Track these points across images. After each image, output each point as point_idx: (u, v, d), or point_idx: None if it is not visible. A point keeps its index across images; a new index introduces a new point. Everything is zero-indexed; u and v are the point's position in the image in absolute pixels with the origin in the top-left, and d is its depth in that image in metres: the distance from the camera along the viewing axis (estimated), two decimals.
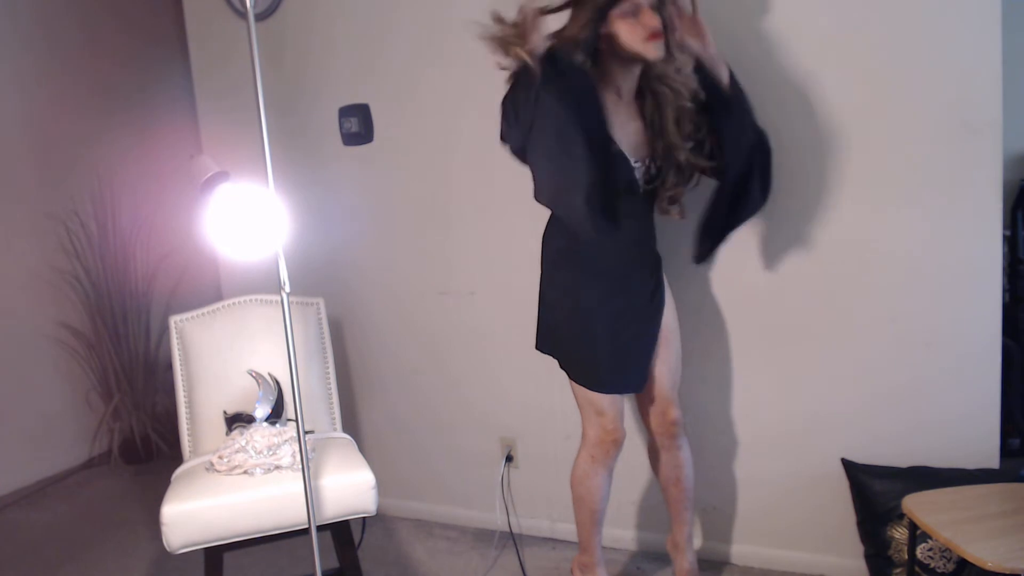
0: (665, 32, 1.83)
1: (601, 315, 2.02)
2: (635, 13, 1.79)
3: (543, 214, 2.17)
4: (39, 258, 3.61)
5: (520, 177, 2.57)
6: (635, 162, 1.96)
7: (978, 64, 2.01)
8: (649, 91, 1.94)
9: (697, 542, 2.46)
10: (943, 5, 2.02)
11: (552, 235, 2.10)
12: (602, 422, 2.06)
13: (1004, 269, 2.54)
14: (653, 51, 1.81)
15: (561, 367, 2.14)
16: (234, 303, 2.47)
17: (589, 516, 2.15)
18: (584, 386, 2.06)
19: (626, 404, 2.17)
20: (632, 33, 1.80)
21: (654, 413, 2.15)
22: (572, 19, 1.85)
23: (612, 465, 2.11)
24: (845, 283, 2.22)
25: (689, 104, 1.90)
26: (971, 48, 2.01)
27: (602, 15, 1.80)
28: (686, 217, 2.09)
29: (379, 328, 2.94)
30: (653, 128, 1.96)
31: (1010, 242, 2.81)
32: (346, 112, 2.81)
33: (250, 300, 2.47)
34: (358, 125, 2.80)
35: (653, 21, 1.79)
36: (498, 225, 2.62)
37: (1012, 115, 2.05)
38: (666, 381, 2.12)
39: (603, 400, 2.05)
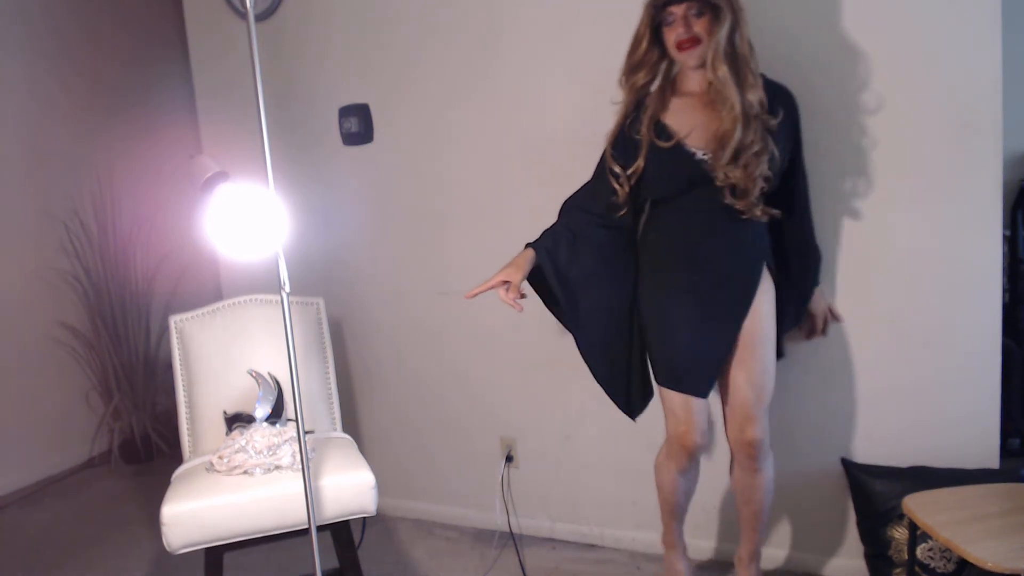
0: (725, 41, 1.88)
1: (656, 312, 2.06)
2: (672, 23, 1.92)
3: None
4: (39, 258, 3.61)
5: (519, 177, 2.58)
6: (703, 153, 1.93)
7: (978, 64, 2.01)
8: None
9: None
10: (943, 5, 2.02)
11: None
12: (674, 422, 2.06)
13: (1004, 269, 2.54)
14: (683, 58, 1.94)
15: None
16: (234, 303, 2.47)
17: (663, 504, 2.20)
18: (654, 379, 2.11)
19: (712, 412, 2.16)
20: (669, 41, 1.94)
21: (732, 426, 2.04)
22: (637, 44, 2.00)
23: (686, 467, 2.10)
24: (845, 283, 2.22)
25: (735, 111, 1.85)
26: (971, 48, 2.01)
27: (657, 30, 1.96)
28: (767, 216, 1.96)
29: (379, 328, 2.93)
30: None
31: (1010, 242, 2.81)
32: (346, 112, 2.81)
33: (250, 300, 2.47)
34: (358, 125, 2.80)
35: (680, 30, 1.91)
36: (498, 225, 2.62)
37: (1012, 115, 2.05)
38: (744, 392, 1.99)
39: (674, 400, 2.04)
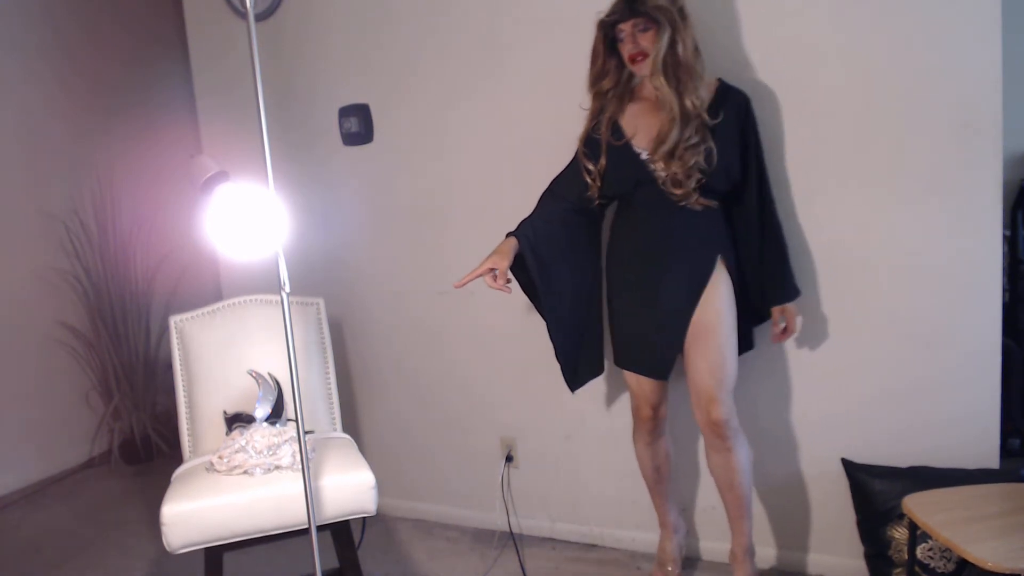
0: (665, 52, 2.03)
1: (615, 302, 2.24)
2: (623, 39, 2.08)
3: None
4: (39, 258, 3.61)
5: (518, 177, 2.58)
6: (646, 153, 2.09)
7: (978, 64, 2.01)
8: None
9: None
10: (943, 5, 2.02)
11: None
12: (630, 397, 2.31)
13: (1004, 269, 2.54)
14: (636, 70, 2.10)
15: None
16: (234, 303, 2.47)
17: (645, 480, 2.38)
18: (615, 361, 2.30)
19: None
20: (624, 54, 2.10)
21: (699, 409, 2.14)
22: (595, 59, 2.16)
23: (649, 440, 2.31)
24: (845, 283, 2.22)
25: (674, 112, 2.01)
26: (971, 48, 2.01)
27: (612, 45, 2.11)
28: (701, 206, 2.08)
29: (379, 328, 2.93)
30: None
31: (1010, 242, 2.81)
32: (346, 112, 2.81)
33: (250, 300, 2.47)
34: (358, 125, 2.80)
35: (629, 46, 2.06)
36: (497, 225, 2.60)
37: (1012, 115, 2.05)
38: (706, 378, 2.10)
39: (628, 377, 2.26)
